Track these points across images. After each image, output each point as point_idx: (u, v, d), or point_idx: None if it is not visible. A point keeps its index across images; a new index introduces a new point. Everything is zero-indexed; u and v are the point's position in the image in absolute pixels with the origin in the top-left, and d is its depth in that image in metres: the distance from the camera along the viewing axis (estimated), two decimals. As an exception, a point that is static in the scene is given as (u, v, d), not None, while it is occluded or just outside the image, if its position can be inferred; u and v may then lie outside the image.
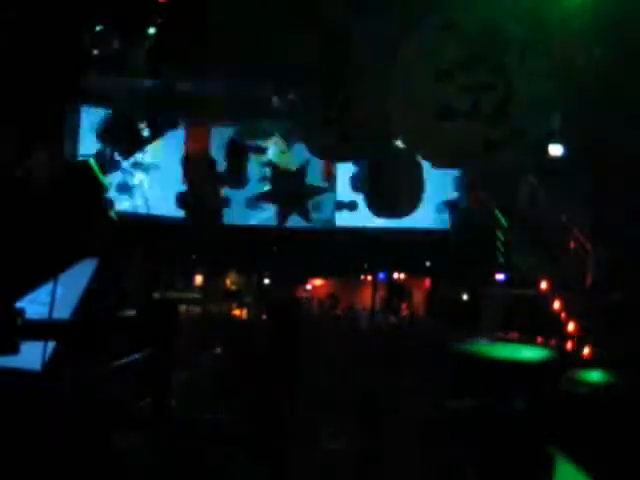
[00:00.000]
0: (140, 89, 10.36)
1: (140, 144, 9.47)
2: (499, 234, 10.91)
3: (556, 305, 9.52)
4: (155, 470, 6.00)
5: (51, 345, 5.81)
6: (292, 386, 7.89)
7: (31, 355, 5.53)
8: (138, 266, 9.69)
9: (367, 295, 15.72)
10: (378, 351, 9.20)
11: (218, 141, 11.92)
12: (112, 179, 11.27)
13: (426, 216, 13.51)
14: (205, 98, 10.31)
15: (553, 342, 9.21)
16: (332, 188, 13.91)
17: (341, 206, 13.59)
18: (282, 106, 10.36)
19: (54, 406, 5.71)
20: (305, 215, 13.22)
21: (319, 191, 12.96)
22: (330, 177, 13.57)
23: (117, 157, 9.72)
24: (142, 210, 13.56)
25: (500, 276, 11.78)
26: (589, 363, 8.51)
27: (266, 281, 15.60)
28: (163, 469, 6.06)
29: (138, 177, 13.22)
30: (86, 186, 6.56)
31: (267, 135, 13.56)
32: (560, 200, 10.53)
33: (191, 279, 14.86)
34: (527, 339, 9.61)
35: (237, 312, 14.28)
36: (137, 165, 13.21)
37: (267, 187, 12.95)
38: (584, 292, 9.56)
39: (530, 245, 10.29)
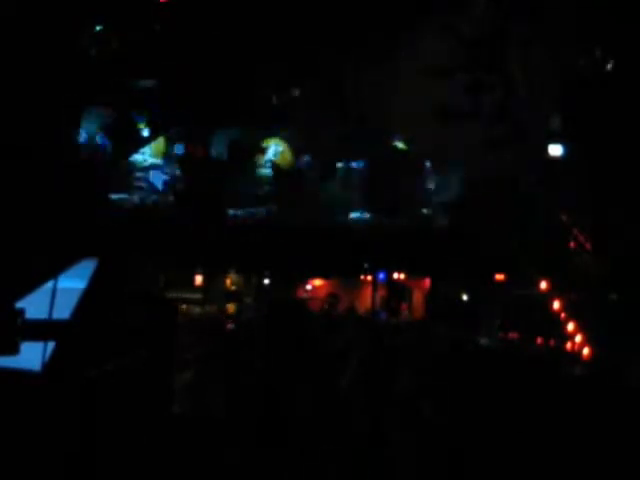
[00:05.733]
0: (140, 89, 10.36)
1: (140, 143, 9.47)
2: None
3: (556, 305, 9.51)
4: (157, 469, 6.00)
5: (51, 345, 5.81)
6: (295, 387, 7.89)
7: (31, 355, 5.53)
8: (139, 266, 9.69)
9: (367, 295, 15.68)
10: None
11: (219, 141, 11.90)
12: (112, 178, 11.26)
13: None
14: (206, 98, 10.31)
15: (553, 342, 9.21)
16: (334, 189, 13.90)
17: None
18: (282, 106, 10.38)
19: (54, 406, 5.71)
20: (307, 215, 13.20)
21: (321, 192, 12.92)
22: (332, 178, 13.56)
23: (117, 156, 9.74)
24: (142, 209, 13.55)
25: (500, 276, 11.77)
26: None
27: (266, 281, 15.56)
28: (165, 468, 6.06)
29: (138, 176, 13.20)
30: (86, 186, 6.56)
31: (267, 135, 13.57)
32: (560, 200, 10.53)
33: (191, 279, 14.83)
34: (527, 339, 9.63)
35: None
36: (137, 164, 13.21)
37: (267, 187, 12.93)
38: (584, 292, 9.56)
39: (529, 245, 10.28)
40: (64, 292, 5.87)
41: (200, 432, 7.05)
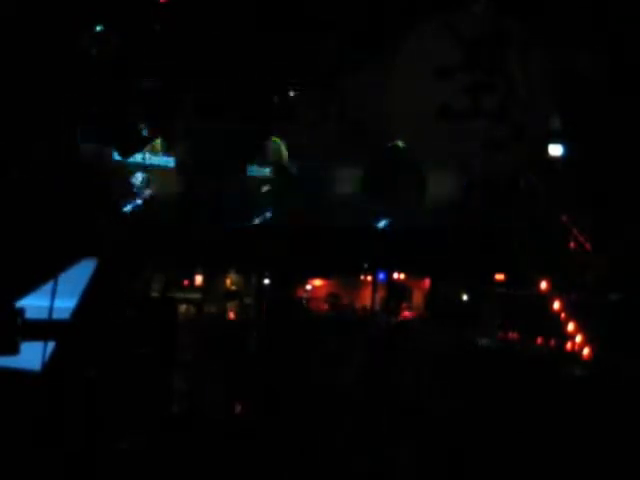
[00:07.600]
0: (140, 89, 10.36)
1: (140, 144, 9.47)
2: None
3: (556, 305, 9.52)
4: (155, 469, 6.00)
5: (51, 345, 5.81)
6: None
7: (31, 355, 5.53)
8: (139, 266, 9.69)
9: (367, 295, 15.68)
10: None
11: (218, 141, 11.90)
12: (112, 178, 11.26)
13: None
14: (205, 98, 10.31)
15: (553, 342, 9.22)
16: (332, 188, 13.89)
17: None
18: (281, 106, 10.37)
19: (54, 406, 5.72)
20: (306, 214, 13.20)
21: (320, 191, 12.91)
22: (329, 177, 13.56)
23: (117, 157, 9.75)
24: (142, 209, 13.55)
25: (500, 276, 11.77)
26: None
27: (266, 281, 15.56)
28: (165, 468, 6.06)
29: (138, 177, 13.20)
30: (87, 186, 6.56)
31: (268, 135, 13.56)
32: (560, 200, 10.53)
33: (191, 279, 14.83)
34: (527, 339, 9.64)
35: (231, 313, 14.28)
36: (137, 164, 13.20)
37: (266, 187, 12.93)
38: (584, 292, 9.57)
39: (530, 245, 10.29)
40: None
41: (200, 432, 7.05)
